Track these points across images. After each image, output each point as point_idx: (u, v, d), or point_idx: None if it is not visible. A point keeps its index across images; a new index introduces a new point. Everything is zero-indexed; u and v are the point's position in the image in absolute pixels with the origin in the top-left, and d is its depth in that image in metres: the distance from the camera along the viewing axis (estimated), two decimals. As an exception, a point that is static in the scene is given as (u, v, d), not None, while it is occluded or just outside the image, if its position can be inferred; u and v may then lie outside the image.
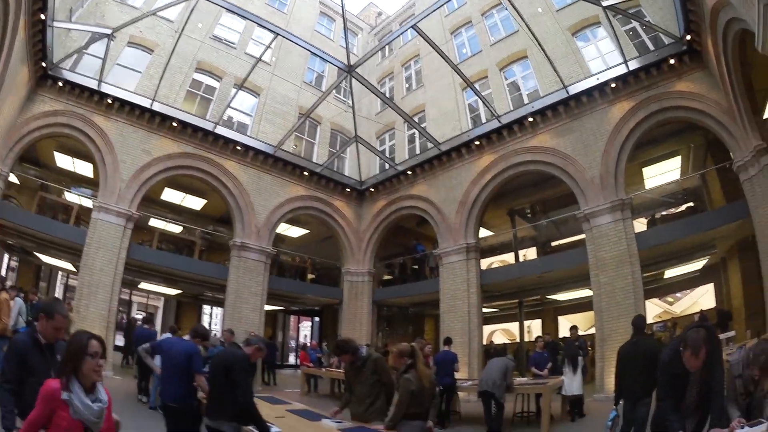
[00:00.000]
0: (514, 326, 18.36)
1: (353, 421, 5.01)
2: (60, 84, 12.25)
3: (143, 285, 17.86)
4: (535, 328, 19.48)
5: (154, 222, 16.38)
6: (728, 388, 3.37)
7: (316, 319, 23.79)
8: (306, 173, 16.48)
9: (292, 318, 24.83)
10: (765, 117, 9.55)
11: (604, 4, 11.11)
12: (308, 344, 17.11)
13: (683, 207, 13.21)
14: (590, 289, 12.17)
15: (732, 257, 13.72)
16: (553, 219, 15.91)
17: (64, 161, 15.15)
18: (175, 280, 16.34)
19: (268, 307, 18.18)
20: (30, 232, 12.70)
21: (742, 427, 2.96)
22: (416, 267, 17.88)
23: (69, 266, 14.90)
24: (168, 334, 9.28)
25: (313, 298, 18.45)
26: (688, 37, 10.33)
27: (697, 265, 15.09)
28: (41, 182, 14.01)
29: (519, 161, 13.65)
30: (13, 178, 12.83)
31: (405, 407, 4.44)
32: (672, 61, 10.94)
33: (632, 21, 12.55)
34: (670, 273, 15.61)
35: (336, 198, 17.40)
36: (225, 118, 15.28)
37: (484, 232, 16.32)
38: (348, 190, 17.68)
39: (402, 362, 4.68)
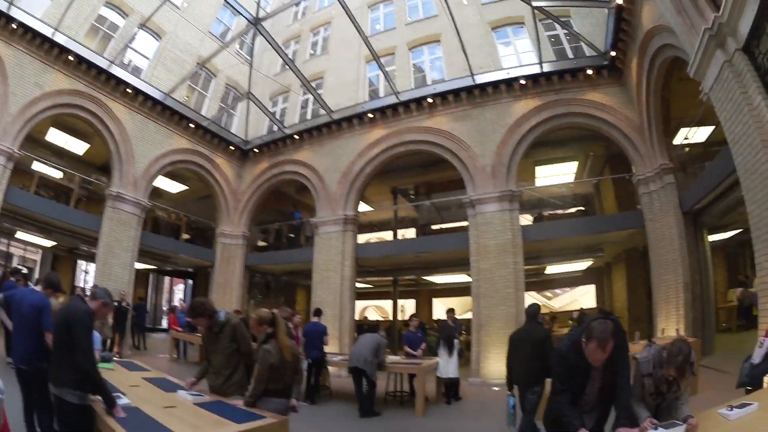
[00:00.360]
0: (387, 304, 18.46)
1: (211, 395, 4.32)
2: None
3: (20, 235, 15.70)
4: (409, 307, 19.95)
5: (36, 166, 14.34)
6: (635, 386, 3.20)
7: (190, 281, 22.54)
8: (192, 125, 15.24)
9: (167, 279, 23.57)
10: (675, 143, 10.57)
11: (535, 4, 11.15)
12: (178, 306, 15.39)
13: (573, 210, 14.06)
14: (468, 274, 12.40)
15: (618, 263, 14.88)
16: (437, 201, 16.04)
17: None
18: (50, 230, 14.39)
19: (139, 266, 16.83)
20: None
21: (656, 429, 2.79)
22: (292, 236, 17.37)
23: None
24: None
25: (186, 259, 17.17)
26: (613, 53, 10.78)
27: (581, 265, 16.22)
28: None
29: (411, 139, 13.49)
30: None
31: (264, 382, 3.92)
32: (589, 72, 11.44)
33: (557, 28, 12.86)
34: (552, 269, 16.62)
35: (219, 155, 16.29)
36: (125, 62, 14.08)
37: (364, 208, 16.13)
38: (232, 148, 16.61)
39: (261, 330, 4.11)
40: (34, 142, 13.66)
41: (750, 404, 2.84)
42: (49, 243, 16.74)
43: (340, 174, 14.18)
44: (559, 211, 14.41)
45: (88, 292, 7.67)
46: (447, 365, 8.68)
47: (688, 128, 10.29)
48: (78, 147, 15.50)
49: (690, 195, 9.57)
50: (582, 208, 14.09)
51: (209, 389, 4.49)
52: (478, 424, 7.15)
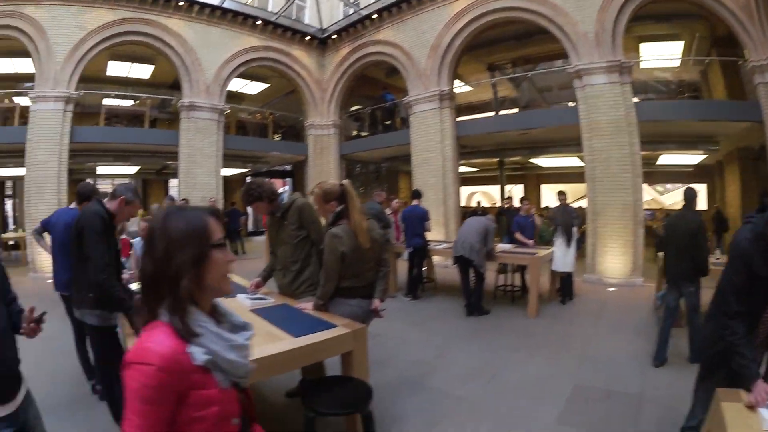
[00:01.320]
0: (494, 190, 16.97)
1: (279, 297, 3.52)
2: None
3: (102, 170, 16.26)
4: (516, 194, 18.49)
5: (105, 101, 14.42)
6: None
7: (289, 180, 22.43)
8: (259, 22, 14.10)
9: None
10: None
11: None
12: None
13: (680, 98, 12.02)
14: (579, 156, 11.07)
15: (731, 162, 13.18)
16: (539, 72, 13.94)
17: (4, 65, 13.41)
18: (127, 155, 14.60)
19: (230, 171, 17.15)
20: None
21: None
22: (388, 123, 15.99)
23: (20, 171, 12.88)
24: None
25: (279, 157, 16.76)
26: None
27: (693, 159, 14.39)
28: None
29: (500, 6, 11.22)
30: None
31: (335, 278, 2.99)
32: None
33: None
34: (664, 160, 14.64)
35: (295, 47, 15.08)
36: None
37: (460, 89, 14.49)
38: (308, 38, 15.29)
39: (329, 210, 3.18)
40: (97, 81, 13.84)
41: None
42: (132, 169, 17.04)
43: (428, 48, 12.49)
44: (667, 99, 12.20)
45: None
46: (564, 257, 7.43)
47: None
48: (143, 71, 15.11)
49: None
50: (690, 96, 12.03)
51: (278, 290, 3.71)
52: (597, 330, 6.03)
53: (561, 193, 8.80)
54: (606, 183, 9.50)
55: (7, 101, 12.76)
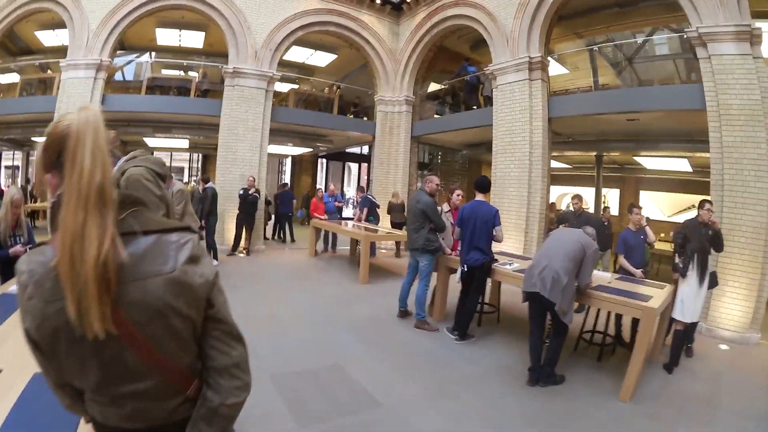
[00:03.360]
0: (588, 192, 14.01)
1: None
2: None
3: (150, 141, 15.45)
4: (612, 200, 15.56)
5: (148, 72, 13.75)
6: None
7: (365, 165, 20.97)
8: None
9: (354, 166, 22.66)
10: None
11: None
12: (324, 190, 13.46)
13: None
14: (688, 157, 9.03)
15: None
16: (648, 38, 11.30)
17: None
18: (169, 127, 13.65)
19: (287, 150, 16.18)
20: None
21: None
22: (470, 101, 13.36)
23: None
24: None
25: (342, 135, 14.99)
26: None
27: None
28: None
29: None
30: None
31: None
32: None
33: None
34: None
35: (365, 12, 13.11)
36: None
37: (554, 70, 11.89)
38: (379, 2, 13.23)
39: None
40: (147, 50, 13.72)
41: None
42: (182, 143, 16.13)
43: (515, 7, 10.07)
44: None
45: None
46: (695, 299, 4.97)
47: None
48: (194, 39, 14.14)
49: None
50: None
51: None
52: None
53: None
54: (736, 194, 6.68)
55: (50, 71, 12.63)
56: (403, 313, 6.41)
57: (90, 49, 10.54)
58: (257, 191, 10.60)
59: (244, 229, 10.63)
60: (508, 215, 9.67)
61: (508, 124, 10.13)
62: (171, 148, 17.43)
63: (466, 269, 5.55)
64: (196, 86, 13.05)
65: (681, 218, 8.83)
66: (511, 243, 9.37)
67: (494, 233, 5.50)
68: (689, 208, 7.55)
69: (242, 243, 10.79)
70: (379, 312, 6.59)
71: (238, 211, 10.52)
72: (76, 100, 10.25)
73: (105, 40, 10.65)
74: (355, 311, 6.64)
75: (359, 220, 11.14)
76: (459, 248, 5.86)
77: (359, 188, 13.44)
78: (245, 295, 7.06)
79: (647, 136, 11.09)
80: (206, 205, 9.06)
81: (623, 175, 16.55)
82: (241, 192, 10.41)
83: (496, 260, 5.85)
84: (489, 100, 12.25)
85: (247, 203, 10.31)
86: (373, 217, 11.39)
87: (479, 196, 5.74)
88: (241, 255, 10.62)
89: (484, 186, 5.81)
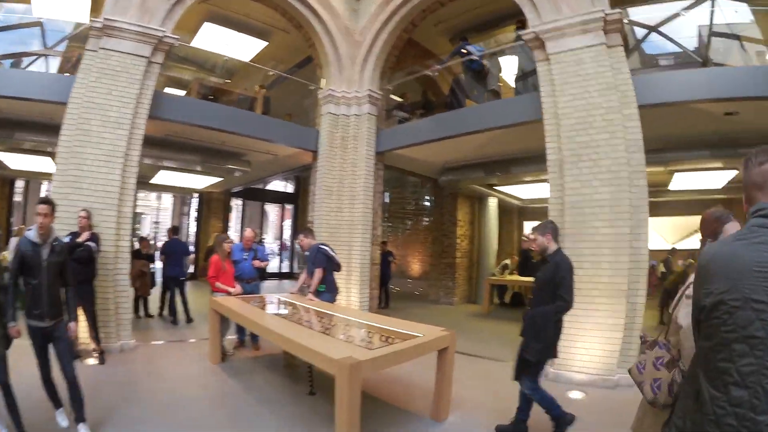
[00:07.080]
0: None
1: None
2: None
3: None
4: None
5: None
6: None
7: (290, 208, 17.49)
8: None
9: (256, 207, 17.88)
10: None
11: None
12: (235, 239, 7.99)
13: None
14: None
15: None
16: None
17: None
18: None
19: (199, 181, 12.17)
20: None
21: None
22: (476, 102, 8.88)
23: None
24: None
25: (264, 151, 9.92)
26: None
27: None
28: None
29: None
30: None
31: None
32: None
33: None
34: None
35: None
36: None
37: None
38: None
39: None
40: None
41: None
42: None
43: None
44: None
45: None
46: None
47: None
48: None
49: None
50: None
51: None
52: None
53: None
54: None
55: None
56: None
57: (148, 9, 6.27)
58: (93, 238, 5.43)
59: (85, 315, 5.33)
60: (595, 267, 5.28)
61: (579, 115, 5.77)
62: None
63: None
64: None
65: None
66: (609, 318, 4.97)
67: None
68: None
69: (91, 339, 5.46)
70: None
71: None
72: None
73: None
74: None
75: (305, 289, 6.19)
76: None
77: (305, 231, 7.50)
78: None
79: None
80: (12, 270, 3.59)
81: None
82: (68, 239, 5.12)
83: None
84: (496, 95, 8.31)
85: (75, 262, 4.96)
86: (326, 286, 6.30)
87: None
88: (92, 362, 5.34)
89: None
